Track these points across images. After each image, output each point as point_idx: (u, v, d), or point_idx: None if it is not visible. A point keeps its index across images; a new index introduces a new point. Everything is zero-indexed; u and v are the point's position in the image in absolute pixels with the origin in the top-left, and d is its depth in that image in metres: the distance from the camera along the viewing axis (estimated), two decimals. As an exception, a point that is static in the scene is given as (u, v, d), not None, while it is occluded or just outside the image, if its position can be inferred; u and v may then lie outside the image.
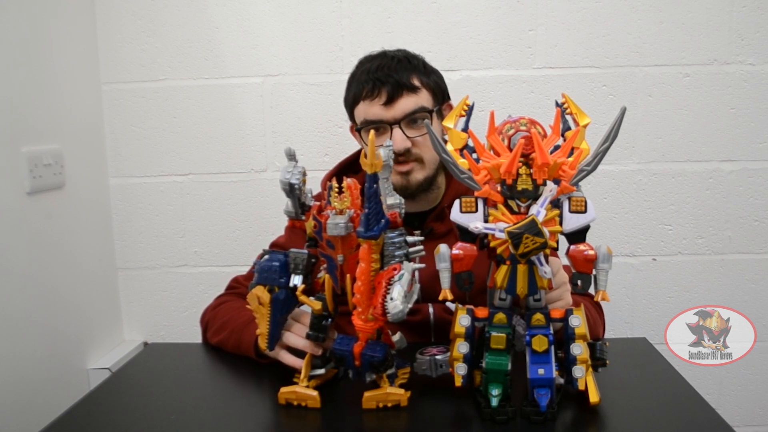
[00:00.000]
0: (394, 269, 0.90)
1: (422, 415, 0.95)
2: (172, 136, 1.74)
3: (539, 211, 0.87)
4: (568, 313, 0.93)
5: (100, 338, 1.70)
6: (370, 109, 1.25)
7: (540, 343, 0.90)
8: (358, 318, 0.94)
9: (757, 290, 1.73)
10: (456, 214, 0.92)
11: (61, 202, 1.54)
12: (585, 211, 0.90)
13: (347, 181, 0.96)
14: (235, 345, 1.18)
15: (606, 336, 1.28)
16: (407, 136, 1.24)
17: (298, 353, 1.06)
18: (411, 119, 1.25)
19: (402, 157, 1.24)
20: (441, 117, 1.31)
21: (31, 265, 1.41)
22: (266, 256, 1.01)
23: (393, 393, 0.95)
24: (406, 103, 1.24)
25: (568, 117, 0.98)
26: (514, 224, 0.86)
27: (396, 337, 0.97)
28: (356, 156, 1.36)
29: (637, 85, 1.67)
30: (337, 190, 0.96)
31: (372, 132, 0.92)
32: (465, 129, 1.00)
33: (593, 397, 0.92)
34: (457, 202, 0.92)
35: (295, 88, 1.71)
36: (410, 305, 0.89)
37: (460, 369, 0.94)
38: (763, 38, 1.64)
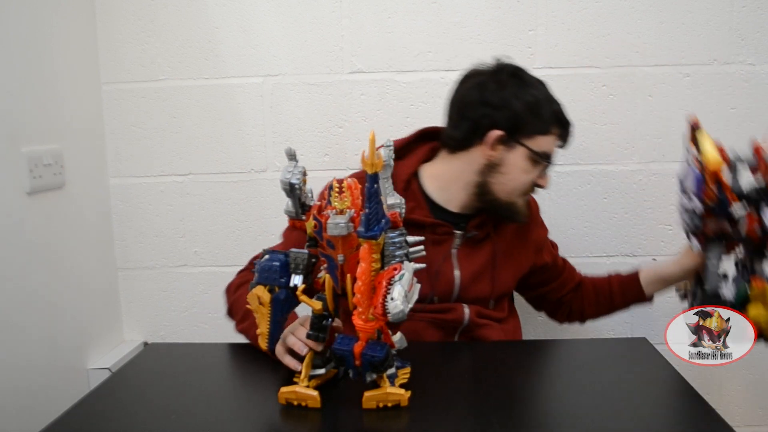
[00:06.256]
0: (395, 269, 0.90)
1: (422, 415, 0.95)
2: (172, 136, 1.74)
3: None
4: None
5: (100, 338, 1.70)
6: (551, 146, 1.33)
7: None
8: (359, 318, 0.94)
9: (757, 290, 1.73)
10: None
11: (61, 202, 1.54)
12: None
13: (347, 181, 0.96)
14: (256, 337, 1.18)
15: (606, 336, 1.28)
16: None
17: (299, 356, 1.05)
18: None
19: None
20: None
21: (31, 265, 1.41)
22: (266, 256, 1.01)
23: (393, 393, 0.95)
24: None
25: None
26: None
27: (396, 337, 0.97)
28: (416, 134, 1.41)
29: (637, 85, 1.67)
30: (337, 189, 0.96)
31: (372, 132, 0.92)
32: None
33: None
34: None
35: (295, 88, 1.71)
36: (411, 305, 0.89)
37: None
38: (763, 38, 1.64)
